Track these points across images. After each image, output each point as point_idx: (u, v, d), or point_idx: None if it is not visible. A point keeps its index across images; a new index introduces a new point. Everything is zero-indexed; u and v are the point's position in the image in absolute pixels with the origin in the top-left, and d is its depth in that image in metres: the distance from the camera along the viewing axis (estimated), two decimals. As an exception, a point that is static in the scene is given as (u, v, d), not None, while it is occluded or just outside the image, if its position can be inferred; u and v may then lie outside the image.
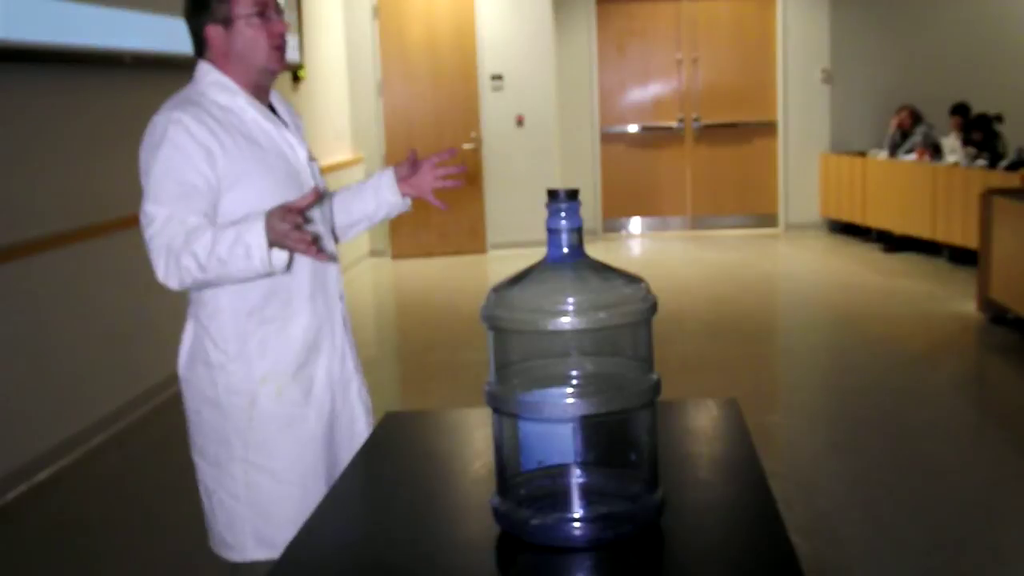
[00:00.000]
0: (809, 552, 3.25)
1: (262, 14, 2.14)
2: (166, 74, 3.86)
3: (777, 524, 1.44)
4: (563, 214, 1.44)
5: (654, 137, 10.48)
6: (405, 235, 9.62)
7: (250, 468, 2.18)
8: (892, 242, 8.99)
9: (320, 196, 2.07)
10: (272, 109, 2.27)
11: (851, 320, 6.78)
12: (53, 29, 4.42)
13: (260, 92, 2.21)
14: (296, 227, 1.89)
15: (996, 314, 6.28)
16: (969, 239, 7.42)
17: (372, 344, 6.76)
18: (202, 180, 2.05)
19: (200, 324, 2.18)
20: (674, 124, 10.42)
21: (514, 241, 9.31)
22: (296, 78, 7.72)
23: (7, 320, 4.16)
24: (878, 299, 7.29)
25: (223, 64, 2.16)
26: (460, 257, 9.52)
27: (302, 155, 2.24)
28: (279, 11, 2.20)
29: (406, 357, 6.46)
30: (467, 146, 9.56)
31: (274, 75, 2.22)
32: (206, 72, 2.18)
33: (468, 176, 9.62)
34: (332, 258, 2.24)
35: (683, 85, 10.39)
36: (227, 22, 2.13)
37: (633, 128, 10.47)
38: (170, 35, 4.90)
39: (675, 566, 1.41)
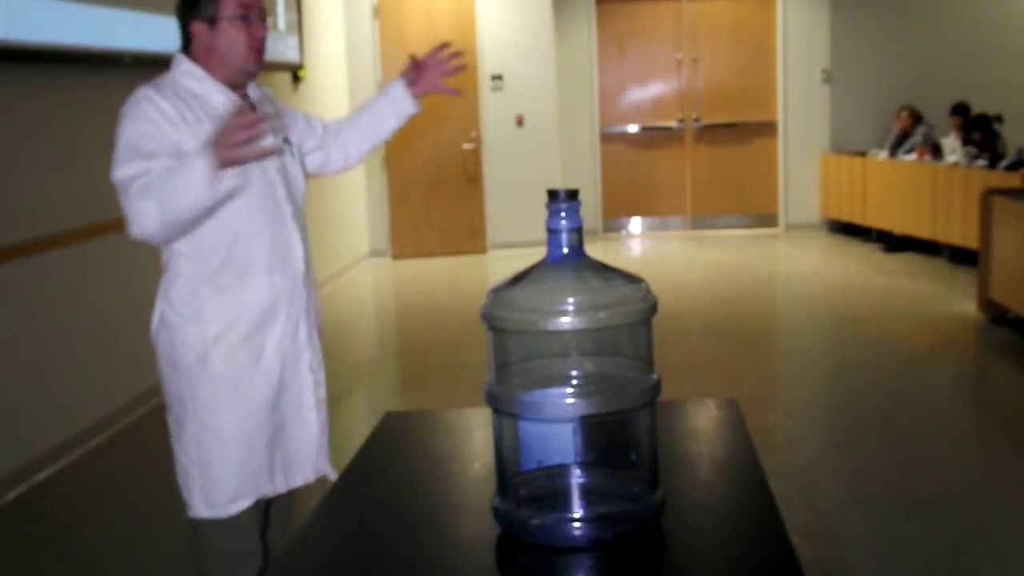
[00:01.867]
0: (809, 552, 3.25)
1: (245, 17, 2.28)
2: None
3: (777, 524, 1.44)
4: (563, 214, 1.44)
5: (654, 137, 10.48)
6: (405, 235, 9.62)
7: (199, 427, 2.32)
8: (892, 242, 8.99)
9: (263, 120, 2.11)
10: (250, 101, 2.39)
11: (851, 320, 6.78)
12: (53, 29, 4.42)
13: (234, 87, 2.34)
14: (241, 142, 2.01)
15: (996, 314, 6.28)
16: (969, 239, 7.42)
17: (372, 344, 6.76)
18: (168, 145, 2.17)
19: (163, 291, 2.33)
20: (674, 124, 10.42)
21: (514, 241, 9.31)
22: (296, 78, 7.72)
23: (7, 320, 4.16)
24: (878, 299, 7.29)
25: (203, 59, 2.30)
26: (460, 257, 9.52)
27: (268, 140, 2.30)
28: (262, 17, 2.33)
29: (406, 357, 6.46)
30: (467, 146, 9.57)
31: (250, 76, 2.35)
32: (179, 63, 2.33)
33: (468, 176, 9.63)
34: (277, 152, 2.37)
35: (683, 85, 10.39)
36: (212, 21, 2.28)
37: (633, 128, 10.47)
38: (170, 35, 4.89)
39: (675, 566, 1.41)
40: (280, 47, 7.16)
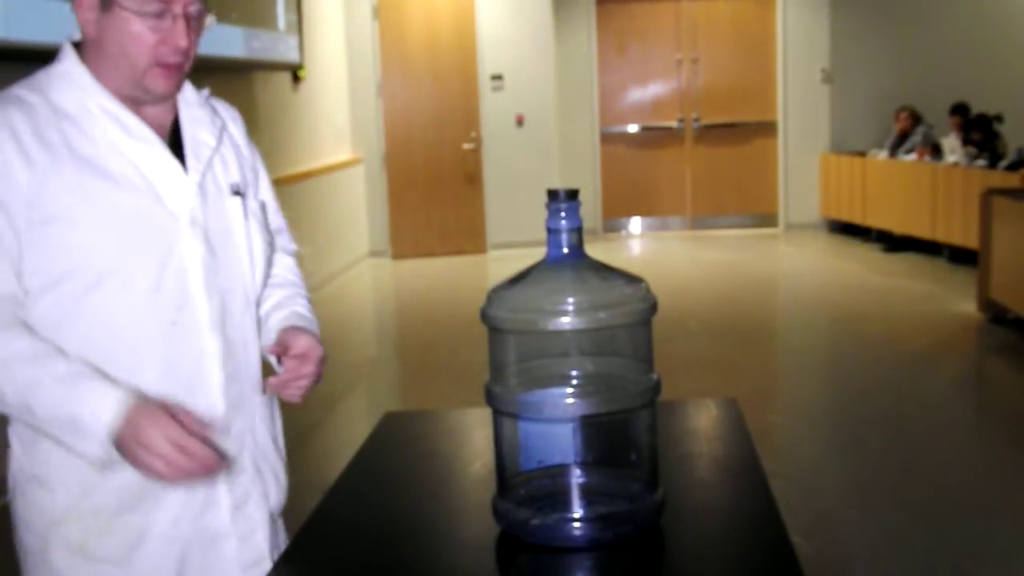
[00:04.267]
0: (809, 552, 3.25)
1: (160, 14, 1.50)
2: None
3: (777, 524, 1.44)
4: (563, 214, 1.44)
5: (654, 137, 10.48)
6: (405, 235, 9.62)
7: None
8: (892, 242, 8.99)
9: (218, 466, 1.44)
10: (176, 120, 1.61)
11: (851, 320, 6.78)
12: (53, 29, 4.41)
13: (136, 105, 1.55)
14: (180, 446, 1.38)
15: (996, 314, 6.28)
16: (969, 239, 7.42)
17: (372, 344, 6.76)
18: (9, 239, 1.44)
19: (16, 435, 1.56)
20: (674, 124, 10.42)
21: (514, 241, 9.31)
22: (296, 78, 7.72)
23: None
24: (878, 299, 7.29)
25: (92, 59, 1.54)
26: (460, 257, 9.51)
27: (182, 189, 1.55)
28: (196, 23, 1.54)
29: (406, 357, 6.46)
30: (467, 146, 9.56)
31: (159, 97, 1.55)
32: (63, 58, 1.57)
33: (468, 176, 9.63)
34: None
35: (683, 85, 10.39)
36: (106, 3, 1.50)
37: (633, 128, 10.47)
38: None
39: (675, 566, 1.41)
40: (280, 47, 7.16)
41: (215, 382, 1.57)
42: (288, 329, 1.65)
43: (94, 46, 1.53)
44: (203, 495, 1.56)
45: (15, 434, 1.53)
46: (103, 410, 1.39)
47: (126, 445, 1.38)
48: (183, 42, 1.51)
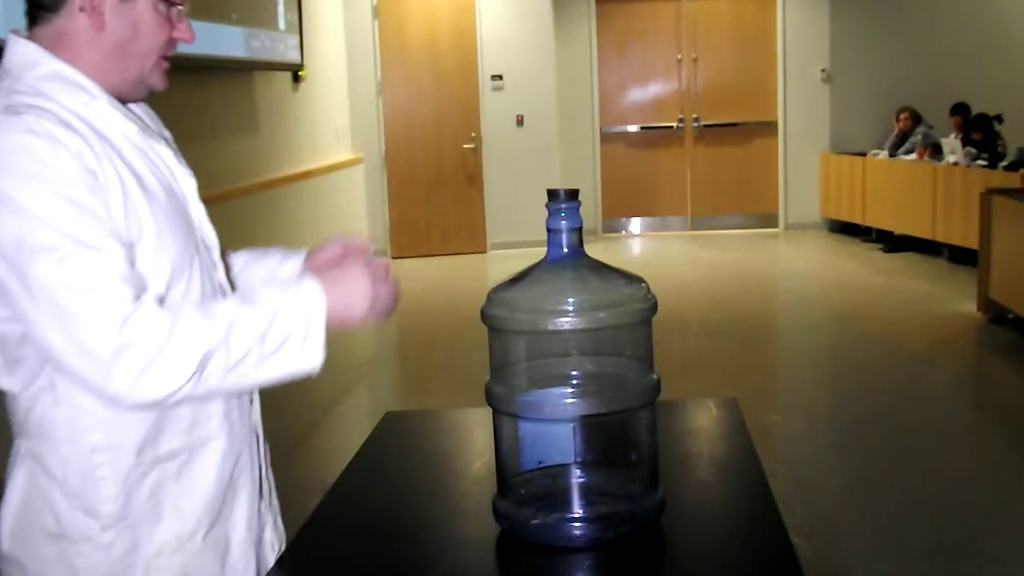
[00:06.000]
0: (809, 552, 3.25)
1: (172, 3, 1.44)
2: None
3: (777, 524, 1.44)
4: (563, 214, 1.44)
5: (654, 137, 10.47)
6: (405, 235, 9.62)
7: None
8: (892, 242, 8.99)
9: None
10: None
11: (851, 320, 6.78)
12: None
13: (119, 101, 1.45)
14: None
15: (996, 314, 6.28)
16: (969, 239, 7.42)
17: (372, 344, 6.76)
18: (112, 228, 1.31)
19: (44, 472, 1.38)
20: (674, 124, 10.41)
21: (514, 241, 9.31)
22: (296, 78, 7.72)
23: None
24: (878, 299, 7.29)
25: (82, 54, 1.38)
26: (460, 257, 9.51)
27: (192, 185, 1.50)
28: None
29: (406, 357, 6.46)
30: (467, 146, 9.56)
31: (149, 94, 1.49)
32: (36, 59, 1.36)
33: (468, 176, 9.63)
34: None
35: (683, 85, 10.39)
36: None
37: (633, 128, 10.47)
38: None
39: (675, 566, 1.41)
40: (280, 47, 7.16)
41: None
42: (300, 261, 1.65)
43: (88, 35, 1.37)
44: (257, 486, 1.55)
45: (56, 485, 1.37)
46: (313, 302, 1.36)
47: (338, 321, 1.39)
48: (188, 35, 1.46)
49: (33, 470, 1.39)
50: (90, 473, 1.36)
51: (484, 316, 1.43)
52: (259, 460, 1.57)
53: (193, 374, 1.27)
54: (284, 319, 1.33)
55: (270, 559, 1.57)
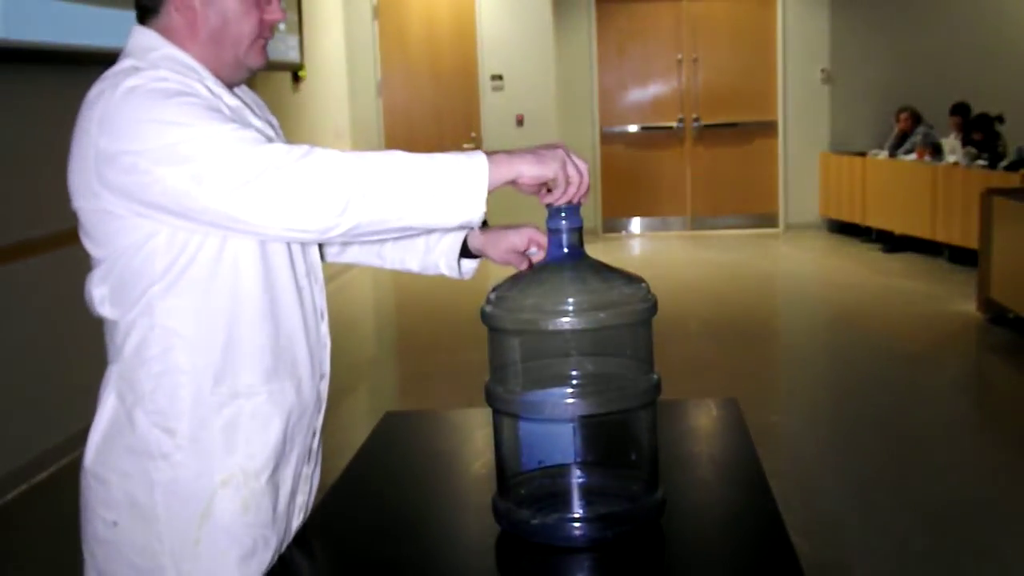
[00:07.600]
0: (809, 552, 3.25)
1: None
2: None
3: (777, 524, 1.44)
4: (563, 214, 1.45)
5: (654, 137, 10.47)
6: (405, 235, 9.62)
7: None
8: (892, 242, 8.99)
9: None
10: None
11: (851, 320, 6.78)
12: (53, 29, 4.42)
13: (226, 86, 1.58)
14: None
15: (996, 314, 6.28)
16: (969, 239, 7.42)
17: (372, 344, 6.76)
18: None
19: (132, 392, 1.50)
20: (674, 124, 10.41)
21: (514, 241, 9.30)
22: (296, 78, 7.72)
23: (8, 319, 4.16)
24: (877, 299, 7.29)
25: (189, 41, 1.53)
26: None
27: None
28: None
29: (406, 357, 6.46)
30: (467, 146, 9.56)
31: (250, 74, 1.62)
32: (152, 44, 1.52)
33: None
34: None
35: (683, 85, 10.39)
36: None
37: (633, 128, 10.47)
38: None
39: (675, 566, 1.41)
40: (280, 47, 7.16)
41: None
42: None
43: (186, 29, 1.51)
44: (308, 444, 1.64)
45: (140, 405, 1.49)
46: (477, 160, 1.36)
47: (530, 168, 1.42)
48: (279, 15, 1.60)
49: (122, 391, 1.51)
50: (173, 392, 1.48)
51: (484, 316, 1.43)
52: (315, 426, 1.67)
53: (343, 201, 1.32)
54: (445, 163, 1.36)
55: (294, 523, 1.63)
